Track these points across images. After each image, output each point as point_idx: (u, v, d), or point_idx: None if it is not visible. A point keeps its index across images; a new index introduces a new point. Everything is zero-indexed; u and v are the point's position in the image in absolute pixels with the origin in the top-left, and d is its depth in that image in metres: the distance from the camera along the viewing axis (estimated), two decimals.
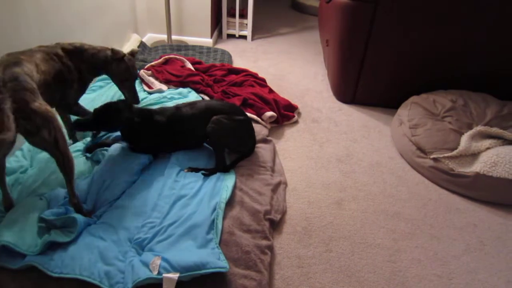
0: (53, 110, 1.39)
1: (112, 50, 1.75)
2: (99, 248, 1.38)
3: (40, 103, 1.30)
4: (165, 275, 1.26)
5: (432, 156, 1.98)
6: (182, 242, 1.40)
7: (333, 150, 2.20)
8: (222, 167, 1.82)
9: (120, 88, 1.87)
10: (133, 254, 1.38)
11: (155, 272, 1.27)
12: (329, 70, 2.82)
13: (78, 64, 1.71)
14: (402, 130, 2.18)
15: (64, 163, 1.40)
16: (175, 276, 1.25)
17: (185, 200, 1.59)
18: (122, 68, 1.78)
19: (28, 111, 1.26)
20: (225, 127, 1.82)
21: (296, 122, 2.43)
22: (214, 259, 1.31)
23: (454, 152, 1.93)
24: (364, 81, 2.53)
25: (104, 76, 2.46)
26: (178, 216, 1.51)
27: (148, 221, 1.51)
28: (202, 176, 1.75)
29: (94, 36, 2.47)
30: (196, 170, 1.80)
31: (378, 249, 1.61)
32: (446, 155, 1.94)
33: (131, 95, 1.87)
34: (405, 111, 2.24)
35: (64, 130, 1.55)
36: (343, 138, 2.31)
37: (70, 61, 1.67)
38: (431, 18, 2.24)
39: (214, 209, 1.53)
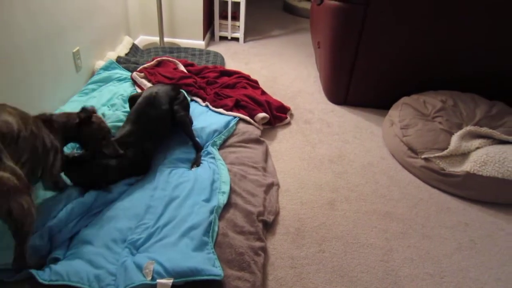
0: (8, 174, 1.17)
1: (79, 115, 1.55)
2: (88, 252, 1.38)
3: None
4: (159, 280, 1.26)
5: (423, 156, 2.00)
6: (178, 242, 1.40)
7: (325, 151, 2.21)
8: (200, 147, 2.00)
9: (99, 149, 1.63)
10: (126, 254, 1.38)
11: (149, 278, 1.27)
12: (321, 71, 2.84)
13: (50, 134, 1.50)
14: (393, 130, 2.20)
15: (19, 229, 1.20)
16: (169, 281, 1.25)
17: (179, 201, 1.59)
18: (94, 129, 1.58)
19: None
20: (186, 109, 2.05)
21: (289, 123, 2.44)
22: (209, 265, 1.31)
23: (445, 152, 1.95)
24: (355, 83, 2.55)
25: (97, 78, 2.46)
26: (172, 217, 1.51)
27: (142, 222, 1.51)
28: (193, 176, 1.74)
29: (86, 38, 2.46)
30: (197, 163, 1.88)
31: (371, 249, 1.62)
32: (436, 155, 1.97)
33: (111, 150, 1.64)
34: (396, 112, 2.27)
35: None
36: (335, 139, 2.32)
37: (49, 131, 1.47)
38: (422, 19, 2.26)
39: (212, 212, 1.53)
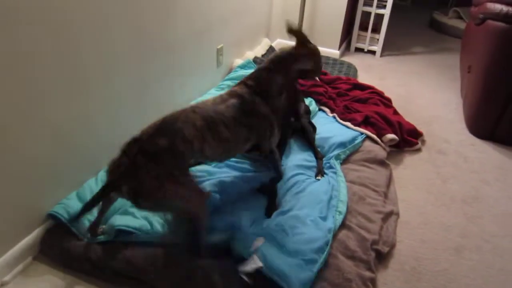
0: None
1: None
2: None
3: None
4: (255, 255, 1.30)
5: None
6: (290, 247, 1.39)
7: (459, 188, 1.96)
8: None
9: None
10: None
11: (252, 248, 1.32)
12: (465, 99, 2.54)
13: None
14: None
15: (194, 225, 1.30)
16: (259, 263, 1.28)
17: (295, 211, 1.56)
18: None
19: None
20: (308, 113, 2.14)
21: (419, 150, 2.23)
22: (298, 282, 1.26)
23: None
24: (509, 117, 2.21)
25: (233, 75, 2.58)
26: (289, 223, 1.49)
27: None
28: (312, 187, 1.69)
29: (231, 36, 2.60)
30: (322, 173, 1.83)
31: None
32: None
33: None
34: None
35: None
36: (472, 178, 2.04)
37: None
38: None
39: (330, 232, 1.47)
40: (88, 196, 1.52)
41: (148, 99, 1.91)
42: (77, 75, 1.44)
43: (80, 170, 1.58)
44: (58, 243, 1.42)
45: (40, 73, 1.29)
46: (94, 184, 1.59)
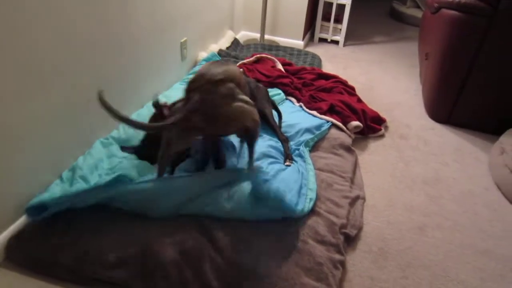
0: None
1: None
2: None
3: None
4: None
5: None
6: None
7: (420, 171, 2.06)
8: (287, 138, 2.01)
9: None
10: None
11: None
12: (424, 85, 2.65)
13: None
14: (503, 159, 1.97)
15: (253, 138, 1.52)
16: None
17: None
18: None
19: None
20: (265, 99, 2.12)
21: (382, 136, 2.32)
22: (292, 203, 1.45)
23: None
24: (464, 101, 2.33)
25: (198, 69, 2.57)
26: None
27: None
28: (282, 175, 1.72)
29: (194, 30, 2.58)
30: (289, 157, 1.87)
31: (462, 286, 1.47)
32: None
33: None
34: (509, 140, 2.02)
35: None
36: (432, 160, 2.15)
37: None
38: None
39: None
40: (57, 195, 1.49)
41: (112, 95, 1.87)
42: (33, 71, 1.38)
43: (42, 172, 1.52)
44: (25, 248, 1.37)
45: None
46: (59, 184, 1.56)
